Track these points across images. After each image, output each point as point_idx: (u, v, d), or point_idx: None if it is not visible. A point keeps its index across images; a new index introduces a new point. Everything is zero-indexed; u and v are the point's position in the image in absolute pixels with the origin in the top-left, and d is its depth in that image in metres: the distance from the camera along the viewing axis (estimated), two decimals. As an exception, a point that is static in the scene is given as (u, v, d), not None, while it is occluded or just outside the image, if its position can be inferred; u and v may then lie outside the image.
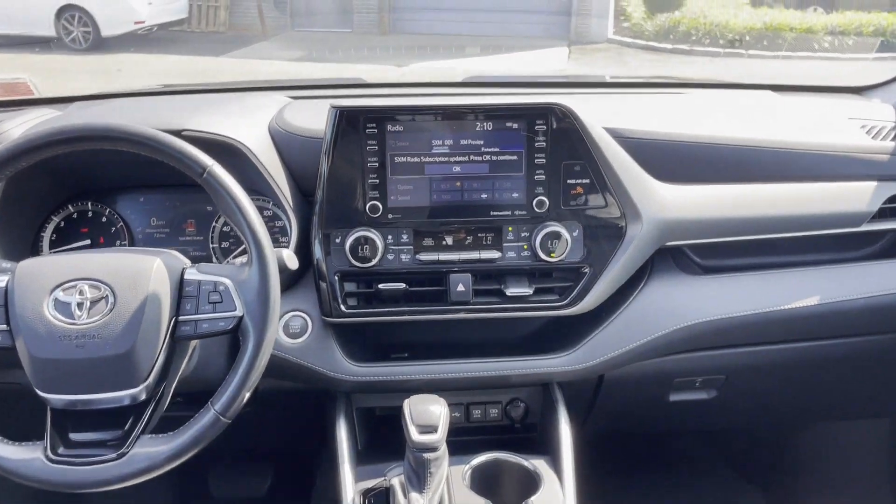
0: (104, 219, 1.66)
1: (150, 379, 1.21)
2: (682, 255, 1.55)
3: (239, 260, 1.31)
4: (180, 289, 1.17)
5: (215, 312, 1.18)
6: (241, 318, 1.17)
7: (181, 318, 1.17)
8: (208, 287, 1.17)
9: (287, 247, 1.42)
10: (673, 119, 1.60)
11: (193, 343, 1.33)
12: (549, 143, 1.41)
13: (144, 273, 1.15)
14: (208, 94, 1.99)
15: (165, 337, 1.15)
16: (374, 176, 1.41)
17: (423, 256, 1.44)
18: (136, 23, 10.76)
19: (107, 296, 1.21)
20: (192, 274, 1.19)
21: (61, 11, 10.30)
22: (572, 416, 1.46)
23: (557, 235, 1.43)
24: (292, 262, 1.36)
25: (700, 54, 10.65)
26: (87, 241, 1.65)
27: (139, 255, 1.18)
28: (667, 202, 1.47)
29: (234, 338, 1.17)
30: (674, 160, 1.51)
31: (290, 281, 1.43)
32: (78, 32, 10.39)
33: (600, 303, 1.45)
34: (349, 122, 1.38)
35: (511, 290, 1.45)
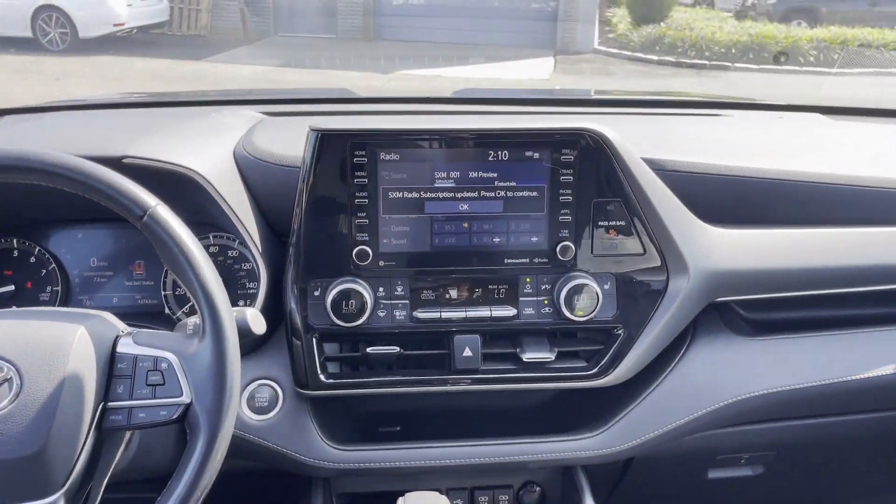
0: (33, 259, 1.37)
1: (70, 483, 0.92)
2: (729, 309, 1.28)
3: (192, 321, 1.02)
4: (111, 366, 0.91)
5: (155, 398, 0.90)
6: (188, 406, 0.89)
7: (111, 404, 0.90)
8: (147, 364, 0.91)
9: (254, 297, 1.21)
10: (718, 147, 1.36)
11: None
12: (576, 177, 1.19)
13: (62, 346, 0.87)
14: (167, 108, 1.69)
15: (89, 430, 0.88)
16: (363, 214, 1.18)
17: (422, 314, 1.21)
18: (115, 25, 10.48)
19: (10, 378, 0.92)
20: (126, 346, 0.91)
21: (38, 12, 9.99)
22: (595, 499, 1.27)
23: (585, 289, 1.20)
24: (258, 326, 1.08)
25: (686, 66, 10.55)
26: (11, 288, 1.36)
27: (55, 322, 0.89)
28: (717, 249, 1.25)
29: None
30: (724, 198, 1.27)
31: (257, 342, 1.20)
32: (55, 34, 10.08)
33: (635, 372, 1.19)
34: (332, 148, 1.15)
35: (528, 355, 1.24)
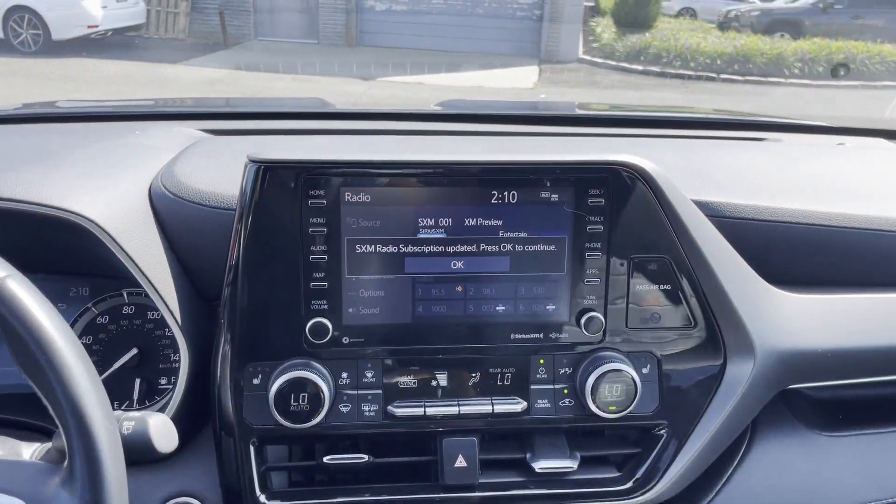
0: None
1: None
2: (795, 392, 0.97)
3: (51, 447, 0.69)
4: None
5: None
6: None
7: None
8: None
9: (174, 382, 0.96)
10: (778, 184, 1.06)
11: None
12: (608, 226, 0.94)
13: None
14: (77, 124, 1.35)
15: None
16: (321, 275, 0.92)
17: (400, 409, 0.95)
18: (89, 27, 10.15)
19: None
20: None
21: (10, 13, 9.63)
22: None
23: (618, 375, 0.95)
24: (165, 442, 0.76)
25: (671, 76, 10.37)
26: None
27: None
28: (792, 322, 1.02)
29: None
30: (797, 253, 0.97)
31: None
32: (27, 35, 9.71)
33: (684, 486, 0.98)
34: (279, 186, 0.90)
35: (542, 464, 0.98)
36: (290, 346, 0.92)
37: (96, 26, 10.19)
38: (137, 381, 1.07)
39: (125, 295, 1.09)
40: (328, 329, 0.92)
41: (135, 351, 1.08)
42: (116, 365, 1.07)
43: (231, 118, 1.38)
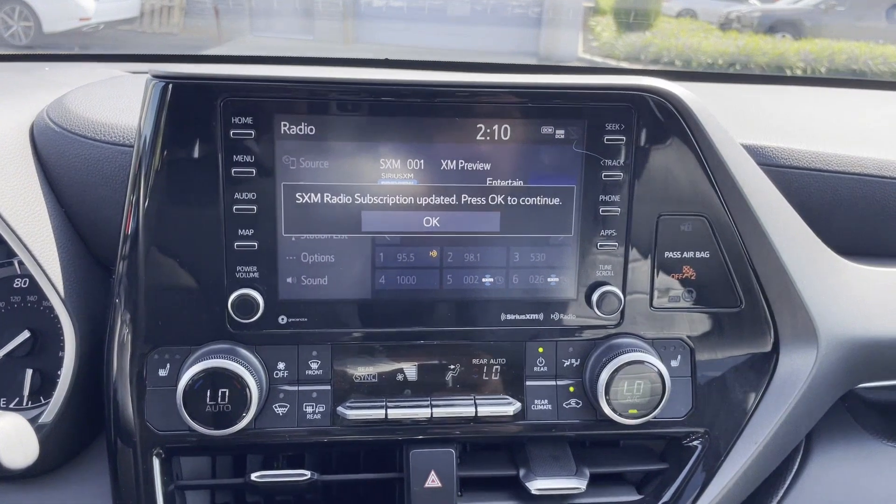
0: None
1: None
2: (861, 398, 0.91)
3: None
4: None
5: None
6: None
7: None
8: None
9: (54, 378, 0.78)
10: (847, 134, 0.86)
11: None
12: (629, 173, 0.74)
13: None
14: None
15: None
16: (248, 232, 0.72)
17: (354, 411, 0.75)
18: (81, 19, 9.98)
19: None
20: None
21: (0, 4, 9.45)
22: None
23: (641, 369, 0.74)
24: (15, 455, 0.53)
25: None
26: None
27: None
28: (863, 302, 0.82)
29: None
30: (867, 214, 0.86)
31: (57, 456, 0.77)
32: (18, 27, 9.54)
33: None
34: (192, 111, 0.69)
35: (541, 484, 0.77)
36: (207, 328, 0.72)
37: (89, 19, 10.06)
38: (29, 372, 0.86)
39: (17, 265, 0.87)
40: (258, 304, 0.70)
41: (26, 335, 0.85)
42: (2, 352, 0.84)
43: (173, 60, 1.16)
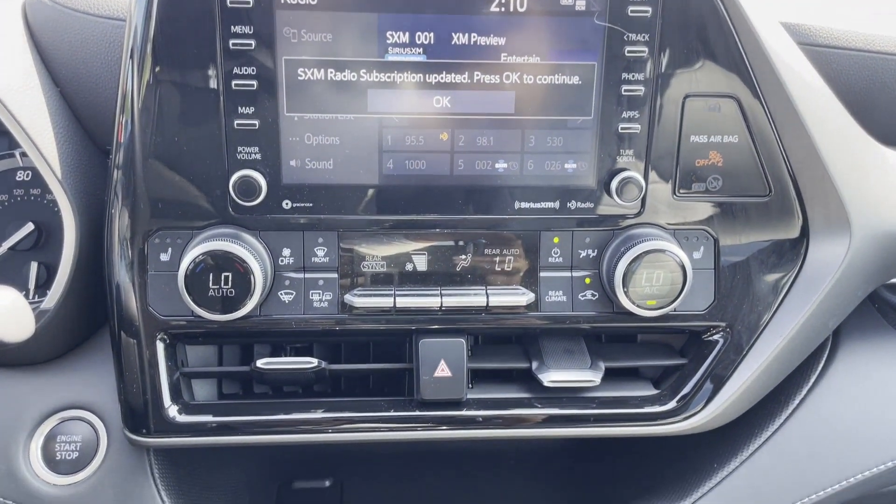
0: None
1: None
2: (886, 302, 0.88)
3: None
4: None
5: None
6: None
7: None
8: None
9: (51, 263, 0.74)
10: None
11: None
12: (655, 49, 0.69)
13: None
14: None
15: None
16: (249, 110, 0.68)
17: (362, 299, 0.73)
18: None
19: None
20: None
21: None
22: None
23: (661, 258, 0.71)
24: (11, 329, 0.52)
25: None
26: None
27: None
28: None
29: None
30: None
31: (60, 344, 0.76)
32: None
33: (744, 410, 0.77)
34: None
35: (554, 377, 0.75)
36: (209, 211, 0.70)
37: None
38: (34, 265, 0.85)
39: (18, 157, 0.85)
40: (260, 187, 0.67)
41: (30, 227, 0.84)
42: (6, 245, 0.83)
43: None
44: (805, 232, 0.74)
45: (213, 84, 0.67)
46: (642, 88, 0.70)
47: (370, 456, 0.86)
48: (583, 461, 0.88)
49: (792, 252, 0.75)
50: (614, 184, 0.71)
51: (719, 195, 0.73)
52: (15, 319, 0.58)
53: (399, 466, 0.86)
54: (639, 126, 0.71)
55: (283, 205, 0.70)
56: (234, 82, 0.66)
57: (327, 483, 0.85)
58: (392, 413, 0.73)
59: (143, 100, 0.67)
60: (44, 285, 0.88)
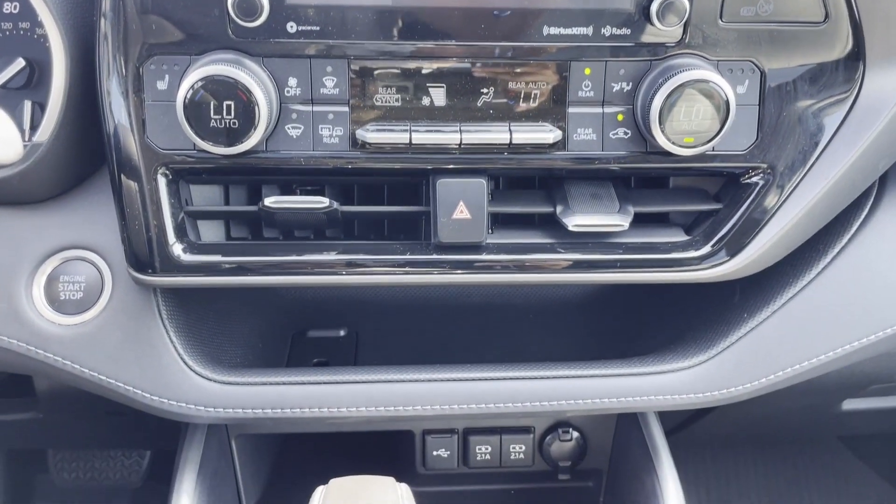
0: None
1: None
2: None
3: None
4: None
5: None
6: None
7: None
8: None
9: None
10: None
11: None
12: None
13: None
14: None
15: None
16: None
17: (375, 134, 0.67)
18: None
19: None
20: None
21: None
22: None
23: (704, 88, 0.65)
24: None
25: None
26: None
27: None
28: None
29: None
30: None
31: (59, 179, 0.72)
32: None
33: (781, 257, 0.72)
34: None
35: (579, 221, 0.70)
36: (206, 33, 0.65)
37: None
38: (28, 103, 0.79)
39: None
40: (261, 5, 0.61)
41: (21, 64, 0.78)
42: None
43: None
44: (861, 61, 0.67)
45: None
46: None
47: (385, 308, 0.84)
48: (606, 314, 0.85)
49: (846, 85, 0.68)
50: (654, 6, 0.64)
51: (770, 21, 0.66)
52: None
53: (415, 319, 0.84)
54: None
55: (288, 27, 0.64)
56: None
57: (342, 332, 0.84)
58: (408, 256, 0.69)
59: None
60: (38, 125, 0.83)
